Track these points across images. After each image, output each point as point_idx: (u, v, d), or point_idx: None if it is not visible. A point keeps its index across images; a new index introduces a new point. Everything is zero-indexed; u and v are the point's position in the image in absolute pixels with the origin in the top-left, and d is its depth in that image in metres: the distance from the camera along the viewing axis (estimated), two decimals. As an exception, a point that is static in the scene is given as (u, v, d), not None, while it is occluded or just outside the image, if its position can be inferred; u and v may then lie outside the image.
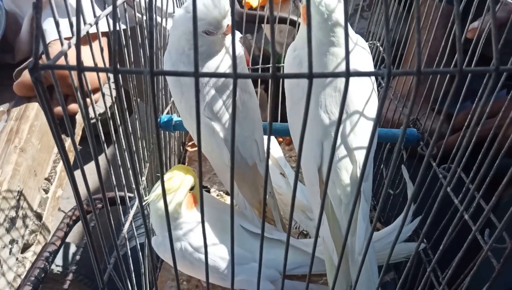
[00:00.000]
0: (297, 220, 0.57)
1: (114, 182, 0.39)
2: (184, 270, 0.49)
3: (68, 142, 0.73)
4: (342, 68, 0.40)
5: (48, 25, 0.69)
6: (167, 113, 0.60)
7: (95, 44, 0.33)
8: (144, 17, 0.47)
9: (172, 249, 0.28)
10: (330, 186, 0.41)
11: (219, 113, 0.45)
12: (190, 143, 0.79)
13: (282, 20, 0.87)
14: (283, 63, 0.78)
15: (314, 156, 0.41)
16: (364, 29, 0.70)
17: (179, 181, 0.45)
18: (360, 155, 0.40)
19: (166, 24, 0.56)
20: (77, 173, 0.26)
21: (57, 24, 0.26)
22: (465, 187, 0.37)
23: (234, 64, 0.22)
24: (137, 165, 0.48)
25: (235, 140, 0.24)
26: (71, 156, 0.74)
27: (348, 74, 0.22)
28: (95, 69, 0.23)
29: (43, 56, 0.24)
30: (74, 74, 0.29)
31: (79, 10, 0.22)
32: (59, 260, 0.86)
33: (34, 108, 0.75)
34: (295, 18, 0.85)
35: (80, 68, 0.22)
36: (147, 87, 0.52)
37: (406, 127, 0.25)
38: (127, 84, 0.47)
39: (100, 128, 0.35)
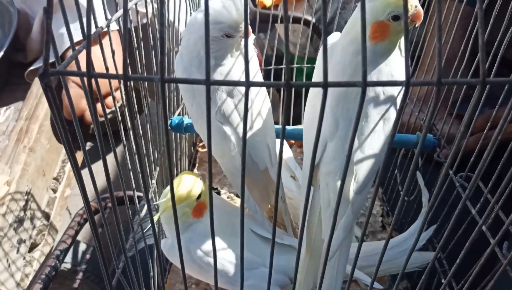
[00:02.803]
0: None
1: (124, 183, 0.38)
2: (193, 274, 0.49)
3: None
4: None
5: (64, 29, 0.69)
6: (179, 114, 0.59)
7: (107, 47, 0.33)
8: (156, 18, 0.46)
9: (181, 252, 0.28)
10: (323, 188, 0.40)
11: (230, 117, 0.44)
12: (201, 144, 0.78)
13: (296, 20, 0.86)
14: (296, 63, 0.77)
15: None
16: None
17: (186, 191, 0.44)
18: (359, 167, 0.39)
19: (178, 26, 0.55)
20: (85, 173, 0.26)
21: (67, 26, 0.25)
22: (483, 197, 0.36)
23: (247, 73, 0.21)
24: (147, 169, 0.47)
25: (246, 145, 0.24)
26: (80, 156, 0.74)
27: (365, 84, 0.21)
28: (106, 76, 0.22)
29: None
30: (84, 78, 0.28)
31: (89, 14, 0.21)
32: (68, 257, 0.86)
33: (44, 108, 0.75)
34: (309, 17, 0.84)
35: (90, 74, 0.21)
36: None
37: (425, 136, 0.24)
38: (138, 83, 0.47)
39: (110, 128, 0.34)
